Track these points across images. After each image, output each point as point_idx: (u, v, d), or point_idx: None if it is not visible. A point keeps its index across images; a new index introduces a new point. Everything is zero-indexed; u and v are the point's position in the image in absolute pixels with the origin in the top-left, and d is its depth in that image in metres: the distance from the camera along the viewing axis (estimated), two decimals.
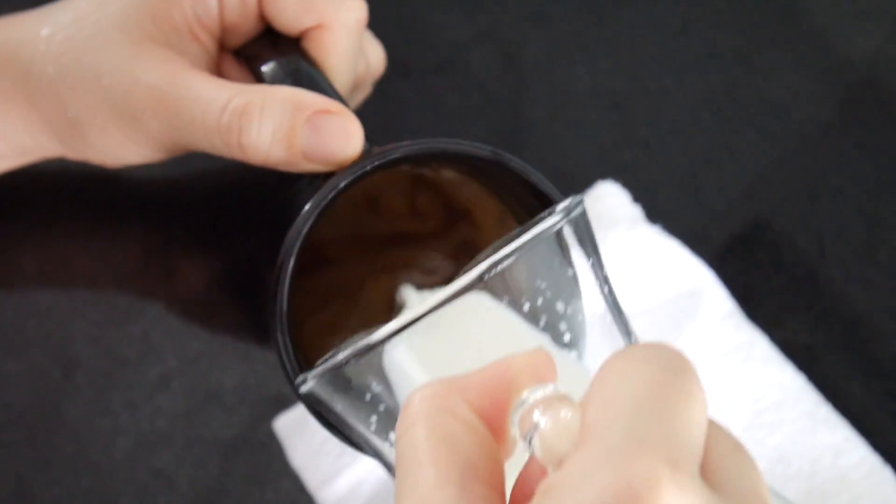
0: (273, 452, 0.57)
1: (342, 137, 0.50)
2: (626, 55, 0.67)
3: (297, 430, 0.57)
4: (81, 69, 0.52)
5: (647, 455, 0.29)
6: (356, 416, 0.39)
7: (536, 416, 0.32)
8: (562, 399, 0.33)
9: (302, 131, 0.49)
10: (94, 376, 0.58)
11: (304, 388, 0.39)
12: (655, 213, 0.63)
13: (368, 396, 0.38)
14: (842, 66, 0.67)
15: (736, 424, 0.57)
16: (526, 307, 0.38)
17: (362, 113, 0.58)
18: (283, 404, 0.58)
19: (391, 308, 0.57)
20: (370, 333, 0.37)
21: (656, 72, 0.67)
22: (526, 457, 0.34)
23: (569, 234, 0.39)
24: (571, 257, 0.39)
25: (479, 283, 0.37)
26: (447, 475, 0.32)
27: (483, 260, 0.37)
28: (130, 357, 0.59)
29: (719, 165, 0.65)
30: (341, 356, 0.37)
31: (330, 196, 0.49)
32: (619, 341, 0.40)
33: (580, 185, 0.63)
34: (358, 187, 0.50)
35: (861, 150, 0.65)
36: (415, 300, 0.51)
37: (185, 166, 0.57)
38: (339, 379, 0.38)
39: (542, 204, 0.51)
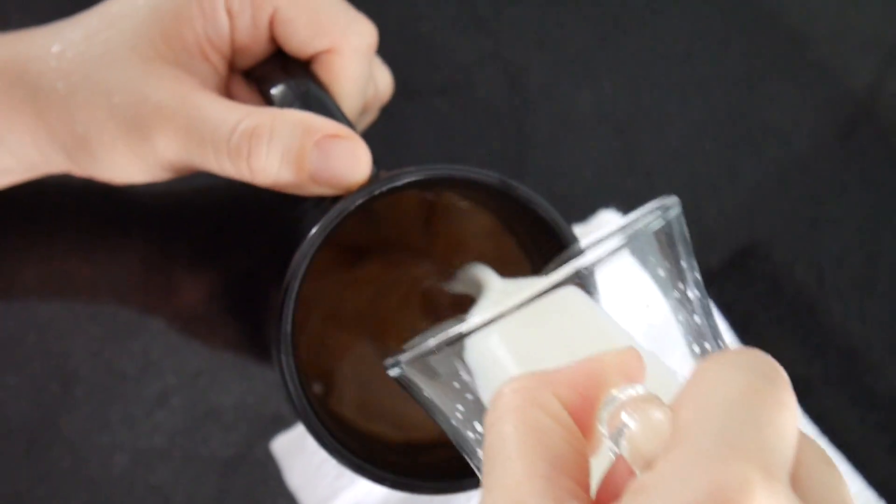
0: (270, 472, 0.57)
1: (350, 162, 0.50)
2: (630, 80, 0.67)
3: (294, 450, 0.57)
4: (91, 86, 0.51)
5: (740, 460, 0.29)
6: (443, 403, 0.38)
7: (625, 416, 0.32)
8: (651, 401, 0.33)
9: (311, 155, 0.49)
10: (93, 391, 0.58)
11: (393, 373, 0.38)
12: None
13: (457, 384, 0.37)
14: (843, 96, 0.67)
15: None
16: None
17: (367, 133, 0.58)
18: (281, 423, 0.58)
19: (391, 326, 0.57)
20: (459, 321, 0.36)
21: (660, 96, 0.67)
22: (612, 455, 0.34)
23: (664, 235, 0.38)
24: (665, 257, 0.39)
25: (574, 278, 0.36)
26: (535, 468, 0.32)
27: (575, 255, 0.37)
28: (130, 372, 0.59)
29: (720, 192, 0.65)
30: (433, 343, 0.37)
31: (336, 221, 0.49)
32: (708, 345, 0.39)
33: (582, 208, 0.63)
34: (364, 210, 0.50)
35: (861, 180, 0.66)
36: (496, 283, 0.50)
37: (188, 182, 0.57)
38: (428, 365, 0.37)
39: (546, 230, 0.51)
